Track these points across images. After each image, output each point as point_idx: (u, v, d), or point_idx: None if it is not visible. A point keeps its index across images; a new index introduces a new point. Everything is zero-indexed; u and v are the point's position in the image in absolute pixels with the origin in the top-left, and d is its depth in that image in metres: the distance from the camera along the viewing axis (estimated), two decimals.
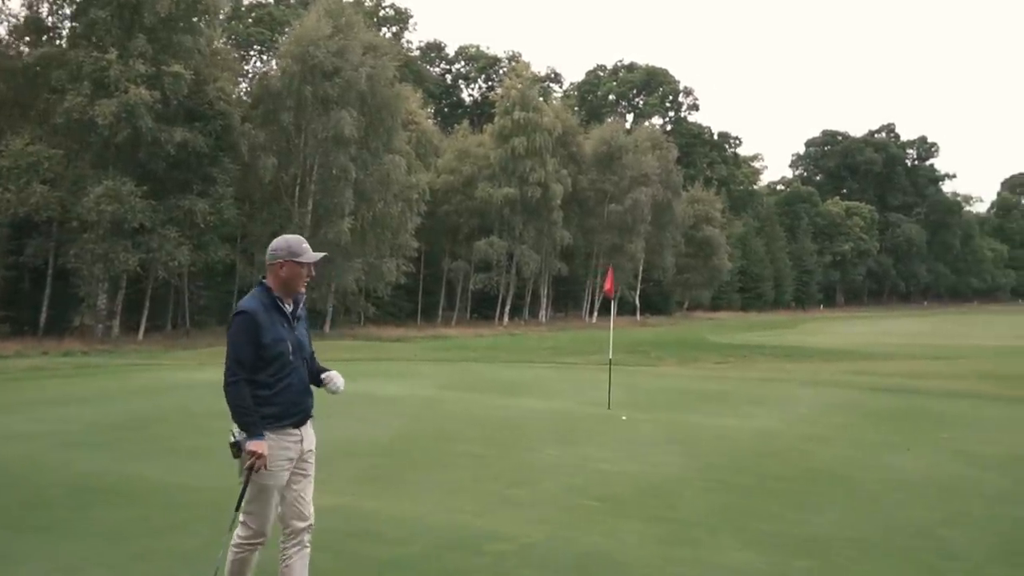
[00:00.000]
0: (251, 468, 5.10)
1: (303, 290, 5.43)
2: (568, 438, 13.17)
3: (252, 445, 5.09)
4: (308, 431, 5.46)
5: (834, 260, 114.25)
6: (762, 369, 26.80)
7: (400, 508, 8.54)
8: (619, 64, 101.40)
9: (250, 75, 57.91)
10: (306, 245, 5.34)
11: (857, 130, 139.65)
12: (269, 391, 5.21)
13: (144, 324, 39.30)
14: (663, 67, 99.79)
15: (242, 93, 48.17)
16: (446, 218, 57.21)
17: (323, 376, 5.61)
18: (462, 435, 13.14)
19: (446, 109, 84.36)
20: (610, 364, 17.97)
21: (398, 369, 24.71)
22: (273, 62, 54.54)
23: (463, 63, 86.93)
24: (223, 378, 5.18)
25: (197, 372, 22.31)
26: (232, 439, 5.14)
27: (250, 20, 65.75)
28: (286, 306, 5.35)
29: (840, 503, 9.44)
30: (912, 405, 18.32)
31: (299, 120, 42.25)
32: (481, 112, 79.61)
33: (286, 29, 57.32)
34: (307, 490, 5.46)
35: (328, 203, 41.58)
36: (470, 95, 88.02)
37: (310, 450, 5.49)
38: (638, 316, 70.69)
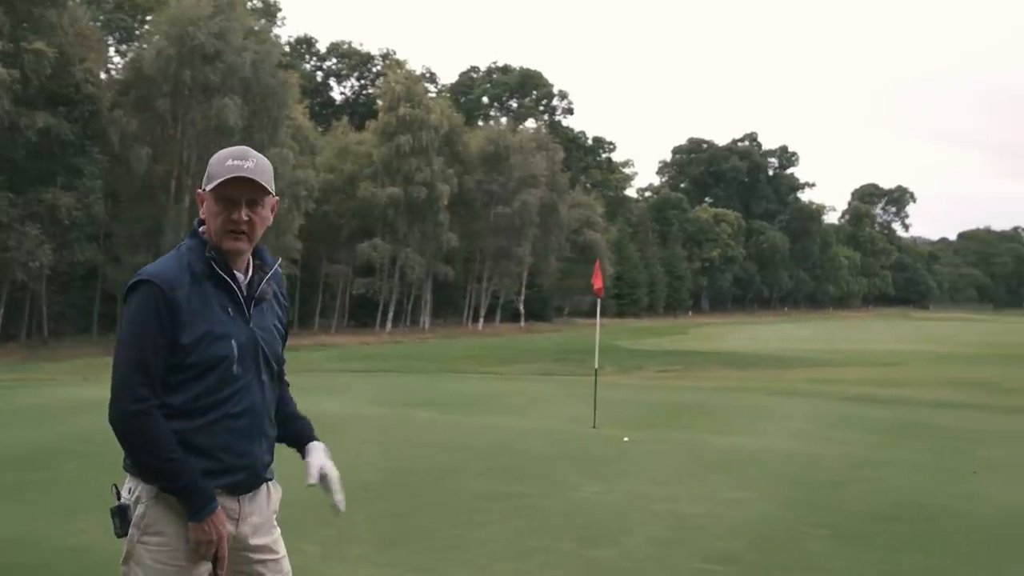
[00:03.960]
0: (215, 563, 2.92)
1: (243, 246, 2.98)
2: (590, 468, 10.88)
3: (197, 528, 2.89)
4: (258, 504, 3.06)
5: (703, 266, 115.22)
6: (716, 378, 25.41)
7: None
8: (493, 66, 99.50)
9: (112, 67, 53.59)
10: (237, 162, 2.94)
11: (722, 138, 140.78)
12: (189, 425, 2.90)
13: None
14: (537, 70, 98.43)
15: (113, 74, 44.13)
16: (325, 219, 53.82)
17: (309, 450, 3.22)
18: (468, 467, 10.64)
19: (317, 107, 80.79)
20: (595, 375, 15.64)
21: (317, 382, 21.80)
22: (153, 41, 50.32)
23: (335, 60, 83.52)
24: (112, 403, 2.89)
25: (85, 388, 19.04)
26: (119, 501, 2.96)
27: (110, 4, 60.99)
28: (237, 275, 3.00)
29: (993, 549, 7.65)
30: (912, 418, 17.06)
31: (176, 107, 38.75)
32: (353, 111, 76.51)
33: (148, 17, 53.19)
34: None
35: None
36: (342, 93, 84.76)
37: (262, 544, 3.09)
38: (523, 323, 68.79)
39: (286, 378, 3.31)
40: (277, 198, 3.08)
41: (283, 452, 3.25)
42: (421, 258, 56.63)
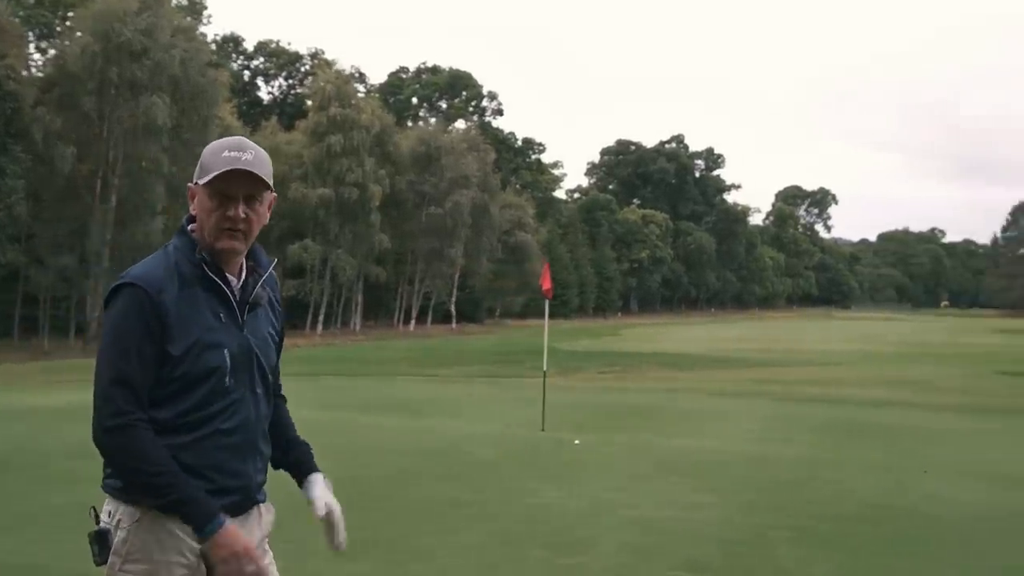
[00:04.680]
0: None
1: (239, 246, 2.72)
2: (546, 472, 10.76)
3: (211, 547, 2.62)
4: (249, 527, 2.80)
5: (631, 267, 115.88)
6: (657, 379, 25.39)
7: None
8: (422, 66, 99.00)
9: (33, 64, 52.03)
10: (234, 153, 2.68)
11: (649, 140, 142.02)
12: (176, 442, 2.64)
13: None
14: (467, 70, 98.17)
15: (35, 71, 42.82)
16: None
17: (312, 482, 2.99)
18: (424, 474, 10.41)
19: (245, 106, 79.57)
20: (544, 378, 15.47)
21: None
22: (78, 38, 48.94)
23: (263, 59, 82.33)
24: (93, 419, 2.61)
25: (4, 396, 18.36)
26: (98, 525, 2.68)
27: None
28: (230, 279, 2.76)
29: (960, 549, 7.68)
30: (857, 418, 17.29)
31: (102, 105, 37.68)
32: (282, 111, 75.48)
33: (70, 13, 51.82)
34: None
35: (136, 199, 37.18)
36: (270, 92, 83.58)
37: None
38: (454, 324, 68.46)
39: (283, 392, 3.07)
40: (275, 194, 2.82)
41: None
42: (352, 259, 56.01)
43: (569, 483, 10.08)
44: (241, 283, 2.78)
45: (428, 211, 61.53)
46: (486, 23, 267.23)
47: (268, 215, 2.80)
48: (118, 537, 2.64)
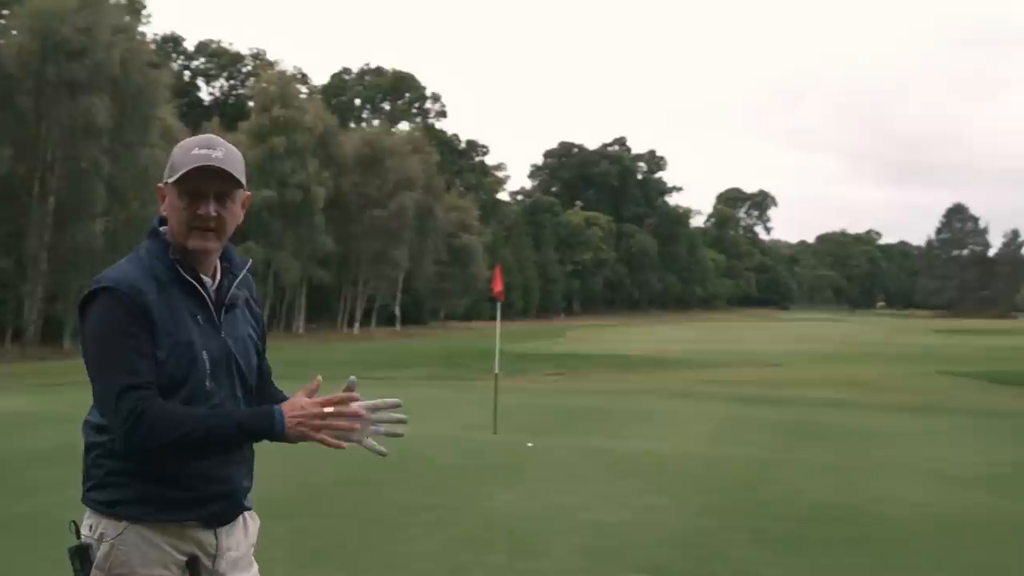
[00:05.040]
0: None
1: (211, 245, 2.66)
2: (501, 476, 10.72)
3: (291, 434, 2.52)
4: (236, 537, 2.76)
5: (574, 269, 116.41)
6: (605, 381, 25.48)
7: None
8: (365, 68, 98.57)
9: None
10: (204, 150, 2.62)
11: (592, 142, 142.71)
12: None
13: None
14: (410, 72, 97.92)
15: None
16: None
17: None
18: (379, 479, 10.25)
19: (185, 107, 78.64)
20: (496, 381, 15.44)
21: None
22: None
23: (204, 59, 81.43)
24: (119, 435, 2.50)
25: None
26: (79, 540, 2.62)
27: None
28: (205, 280, 2.70)
29: (914, 549, 7.72)
30: (805, 418, 17.44)
31: (40, 105, 37.06)
32: (223, 111, 74.72)
33: (5, 11, 50.81)
34: None
35: (75, 201, 36.53)
36: (211, 93, 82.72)
37: None
38: (398, 327, 68.24)
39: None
40: (249, 193, 2.77)
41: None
42: (296, 261, 55.67)
43: (525, 487, 10.07)
44: (216, 284, 2.72)
45: (372, 213, 61.33)
46: (429, 24, 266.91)
47: (242, 215, 2.75)
48: (101, 551, 2.56)
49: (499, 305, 16.35)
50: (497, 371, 15.85)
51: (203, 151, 2.61)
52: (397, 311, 69.39)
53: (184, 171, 2.58)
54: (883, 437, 15.11)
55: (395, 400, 2.69)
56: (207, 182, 2.59)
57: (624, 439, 14.16)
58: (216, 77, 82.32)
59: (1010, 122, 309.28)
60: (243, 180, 2.68)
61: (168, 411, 2.46)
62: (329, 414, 2.49)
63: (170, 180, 2.62)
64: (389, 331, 65.39)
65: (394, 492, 9.58)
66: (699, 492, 9.94)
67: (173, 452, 2.48)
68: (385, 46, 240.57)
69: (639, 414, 17.49)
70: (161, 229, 2.71)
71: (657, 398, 20.73)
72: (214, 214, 2.61)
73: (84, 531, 2.61)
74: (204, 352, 2.61)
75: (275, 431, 2.49)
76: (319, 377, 2.63)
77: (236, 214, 2.70)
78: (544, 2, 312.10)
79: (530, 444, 13.00)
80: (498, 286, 15.15)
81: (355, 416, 2.55)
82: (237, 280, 2.77)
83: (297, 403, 2.52)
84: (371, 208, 61.45)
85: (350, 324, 64.65)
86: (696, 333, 66.97)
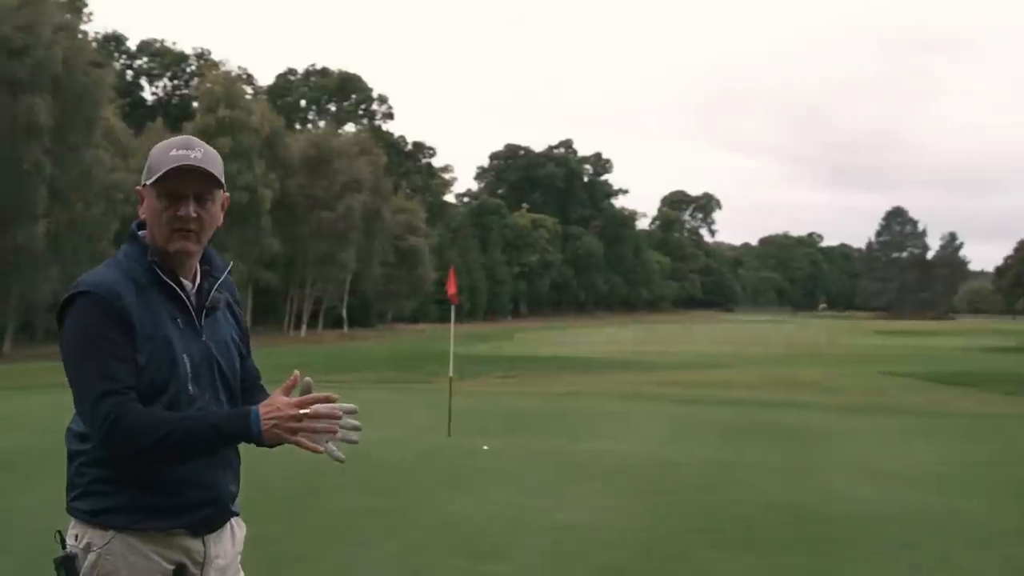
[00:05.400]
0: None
1: (191, 247, 2.63)
2: (457, 479, 10.71)
3: (266, 437, 2.45)
4: (223, 545, 2.74)
5: (521, 271, 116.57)
6: (557, 383, 25.53)
7: None
8: (311, 68, 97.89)
9: None
10: (183, 151, 2.60)
11: (538, 144, 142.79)
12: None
13: None
14: (356, 73, 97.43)
15: None
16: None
17: None
18: (333, 483, 10.19)
19: (128, 107, 77.52)
20: (450, 383, 15.43)
21: None
22: None
23: (147, 58, 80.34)
24: (97, 439, 2.49)
25: None
26: (64, 550, 2.58)
27: None
28: (184, 284, 2.68)
29: (869, 549, 7.82)
30: (757, 419, 17.62)
31: None
32: (167, 112, 73.77)
33: None
34: None
35: (16, 202, 35.82)
36: (154, 93, 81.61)
37: None
38: (346, 329, 67.83)
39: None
40: (228, 193, 2.76)
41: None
42: (242, 264, 55.02)
43: (482, 489, 10.06)
44: (196, 287, 2.69)
45: (320, 215, 60.93)
46: (374, 26, 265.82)
47: (222, 216, 2.74)
48: (87, 561, 2.54)
49: (452, 308, 16.30)
50: (452, 374, 15.82)
51: (181, 151, 2.59)
52: (344, 313, 68.97)
53: (163, 172, 2.56)
54: (832, 437, 15.29)
55: (352, 406, 2.65)
56: (186, 183, 2.58)
57: (578, 441, 14.19)
58: (160, 77, 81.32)
59: (948, 126, 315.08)
60: (222, 180, 2.66)
61: (144, 416, 2.44)
62: (305, 415, 2.45)
63: (148, 182, 2.60)
64: (337, 333, 64.98)
65: (349, 496, 9.52)
66: (656, 493, 10.01)
67: (150, 457, 2.46)
68: (331, 47, 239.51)
69: (592, 416, 17.54)
70: (140, 233, 2.68)
71: (609, 400, 20.82)
72: (194, 215, 2.59)
73: (69, 541, 2.58)
74: (185, 356, 2.59)
75: (251, 432, 2.44)
76: (296, 372, 2.62)
77: (216, 215, 2.69)
78: (490, 4, 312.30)
79: (485, 447, 13.00)
80: (452, 289, 15.12)
81: (331, 418, 2.51)
82: (218, 283, 2.75)
83: (273, 403, 2.48)
84: (318, 210, 61.04)
85: (297, 327, 64.16)
86: (643, 335, 67.42)
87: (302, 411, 2.45)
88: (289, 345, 50.91)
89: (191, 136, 2.73)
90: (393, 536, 7.92)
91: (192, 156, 2.58)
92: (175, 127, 60.19)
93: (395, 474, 10.92)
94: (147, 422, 2.43)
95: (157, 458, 2.47)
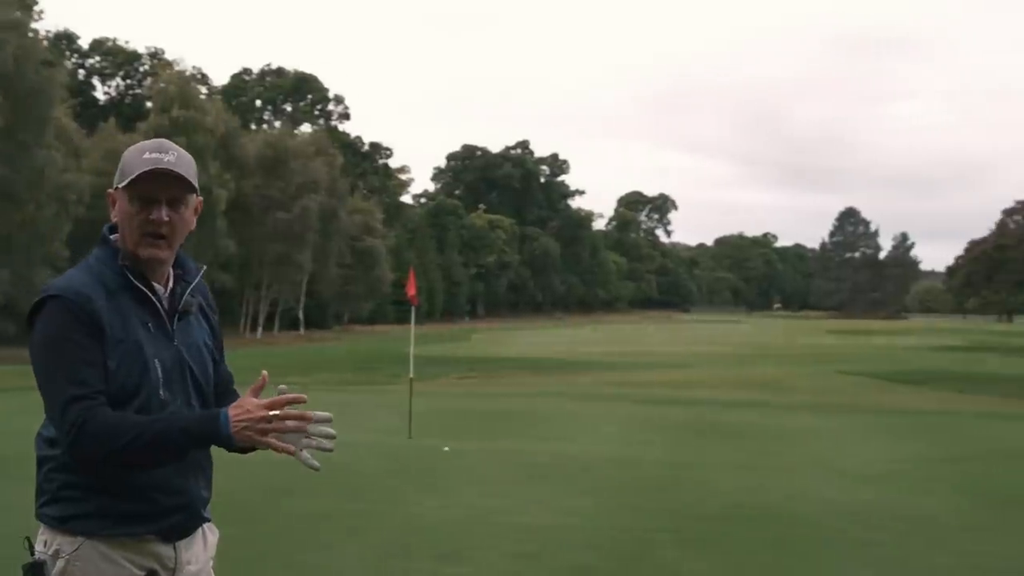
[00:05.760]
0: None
1: (162, 253, 2.59)
2: (421, 480, 10.70)
3: (237, 438, 2.41)
4: (195, 550, 2.69)
5: (479, 272, 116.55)
6: (516, 384, 25.55)
7: None
8: (267, 68, 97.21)
9: None
10: (156, 154, 2.56)
11: (495, 145, 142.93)
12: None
13: None
14: (312, 73, 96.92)
15: None
16: (96, 225, 50.76)
17: None
18: (297, 486, 10.07)
19: (80, 107, 76.51)
20: (411, 385, 15.39)
21: None
22: None
23: (99, 57, 79.32)
24: (65, 444, 2.45)
25: None
26: (32, 557, 2.53)
27: None
28: (156, 288, 2.63)
29: (828, 547, 7.91)
30: (714, 418, 17.83)
31: None
32: (120, 111, 72.90)
33: None
34: None
35: None
36: (107, 92, 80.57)
37: None
38: (302, 331, 67.40)
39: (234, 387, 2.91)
40: (201, 198, 2.71)
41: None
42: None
43: (444, 491, 10.03)
44: (169, 291, 2.66)
45: (275, 216, 60.46)
46: (330, 25, 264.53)
47: (194, 221, 2.70)
48: (56, 567, 2.49)
49: (413, 309, 16.26)
50: (412, 375, 15.78)
51: (155, 155, 2.55)
52: (301, 315, 68.54)
53: (136, 175, 2.52)
54: (792, 437, 15.44)
55: (327, 415, 2.59)
56: (159, 186, 2.54)
57: (539, 442, 14.22)
58: (112, 76, 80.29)
59: (900, 127, 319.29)
60: (196, 184, 2.63)
61: (112, 420, 2.40)
62: (275, 417, 2.41)
63: (121, 185, 2.56)
64: (293, 335, 64.56)
65: (314, 500, 9.43)
66: (618, 493, 10.05)
67: (120, 461, 2.42)
68: (286, 47, 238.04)
69: (552, 417, 17.60)
70: (112, 237, 2.65)
71: (568, 400, 20.89)
72: (166, 219, 2.55)
73: (38, 547, 2.54)
74: (156, 360, 2.55)
75: (220, 434, 2.40)
76: (265, 372, 2.57)
77: (188, 220, 2.65)
78: (446, 5, 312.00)
79: (446, 448, 12.97)
80: (412, 290, 15.08)
81: (301, 419, 2.46)
82: (191, 287, 2.71)
83: (243, 405, 2.43)
84: (274, 211, 60.58)
85: (253, 329, 63.66)
86: (600, 335, 67.68)
87: (272, 412, 2.41)
88: (245, 347, 50.42)
89: (165, 139, 2.69)
90: (357, 539, 7.88)
91: (165, 160, 2.54)
92: (128, 127, 59.55)
93: (358, 477, 10.84)
94: (116, 425, 2.38)
95: (127, 462, 2.43)
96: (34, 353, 2.51)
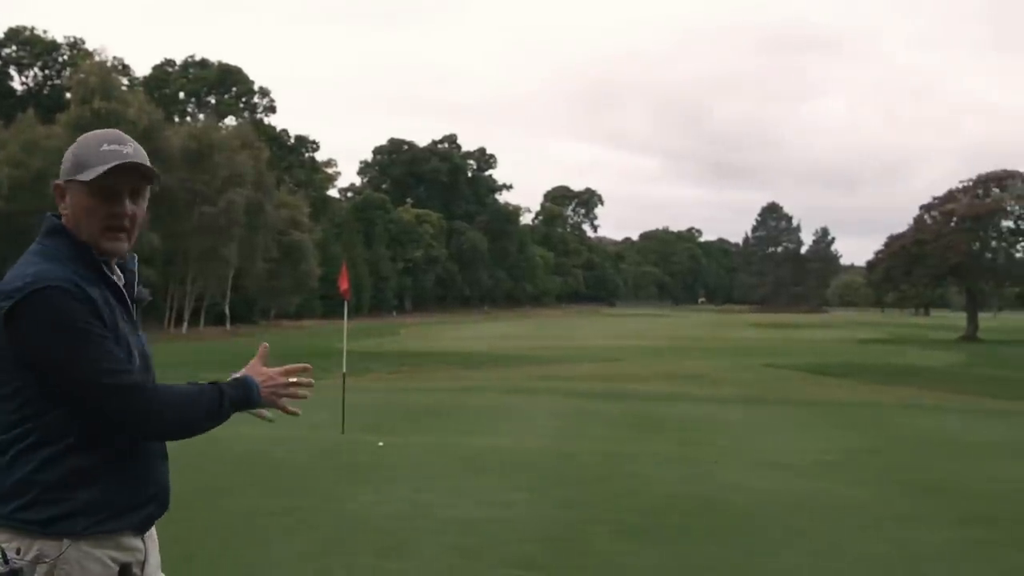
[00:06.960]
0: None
1: (124, 246, 2.59)
2: (356, 475, 10.60)
3: (262, 399, 2.75)
4: (153, 540, 2.71)
5: (406, 266, 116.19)
6: (446, 378, 25.56)
7: None
8: (190, 60, 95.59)
9: None
10: (115, 147, 2.54)
11: (422, 139, 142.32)
12: (90, 459, 2.44)
13: None
14: (237, 65, 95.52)
15: None
16: (13, 219, 49.56)
17: None
18: (230, 483, 9.99)
19: None
20: (344, 380, 15.30)
21: None
22: None
23: (15, 47, 77.32)
24: (115, 416, 2.47)
25: None
26: (7, 565, 2.41)
27: None
28: (117, 276, 2.62)
29: (766, 537, 8.01)
30: (646, 411, 18.00)
31: None
32: (38, 103, 71.20)
33: None
34: None
35: None
36: (24, 83, 78.55)
37: None
38: (228, 326, 66.53)
39: None
40: (157, 188, 2.72)
41: None
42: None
43: (381, 486, 9.97)
44: (124, 283, 2.63)
45: (201, 210, 59.48)
46: (254, 17, 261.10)
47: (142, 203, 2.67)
48: (38, 573, 2.41)
49: (345, 304, 16.15)
50: (345, 370, 15.70)
51: (114, 147, 2.53)
52: (227, 310, 67.64)
53: (103, 169, 2.49)
54: (722, 428, 15.67)
55: (308, 365, 2.94)
56: (123, 179, 2.53)
57: (473, 435, 14.23)
58: (30, 67, 78.37)
59: (821, 124, 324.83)
60: (156, 175, 2.60)
61: (172, 392, 2.51)
62: (292, 383, 2.77)
63: (81, 177, 2.51)
64: (219, 330, 63.68)
65: (248, 497, 9.34)
66: (555, 486, 10.08)
67: (190, 430, 2.54)
68: (210, 38, 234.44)
69: (484, 410, 17.62)
70: (62, 225, 2.59)
71: (500, 394, 20.94)
72: (130, 212, 2.56)
73: (11, 555, 2.42)
74: (135, 351, 2.55)
75: (253, 398, 2.67)
76: (266, 344, 2.90)
77: (144, 211, 2.64)
78: None
79: (381, 443, 12.90)
80: (344, 284, 14.99)
81: (309, 386, 2.84)
82: (137, 279, 2.70)
83: (264, 372, 2.73)
84: (199, 204, 59.59)
85: (178, 324, 62.65)
86: (528, 329, 67.94)
87: (291, 379, 2.78)
88: (170, 343, 49.66)
89: (115, 130, 2.66)
90: (296, 535, 7.79)
91: (126, 152, 2.53)
92: (47, 118, 58.21)
93: (292, 473, 10.76)
94: (177, 393, 2.51)
95: (195, 430, 2.55)
96: (53, 346, 2.38)
